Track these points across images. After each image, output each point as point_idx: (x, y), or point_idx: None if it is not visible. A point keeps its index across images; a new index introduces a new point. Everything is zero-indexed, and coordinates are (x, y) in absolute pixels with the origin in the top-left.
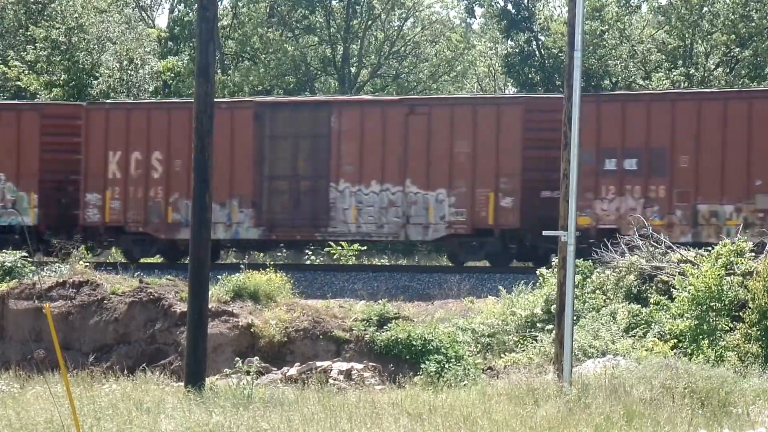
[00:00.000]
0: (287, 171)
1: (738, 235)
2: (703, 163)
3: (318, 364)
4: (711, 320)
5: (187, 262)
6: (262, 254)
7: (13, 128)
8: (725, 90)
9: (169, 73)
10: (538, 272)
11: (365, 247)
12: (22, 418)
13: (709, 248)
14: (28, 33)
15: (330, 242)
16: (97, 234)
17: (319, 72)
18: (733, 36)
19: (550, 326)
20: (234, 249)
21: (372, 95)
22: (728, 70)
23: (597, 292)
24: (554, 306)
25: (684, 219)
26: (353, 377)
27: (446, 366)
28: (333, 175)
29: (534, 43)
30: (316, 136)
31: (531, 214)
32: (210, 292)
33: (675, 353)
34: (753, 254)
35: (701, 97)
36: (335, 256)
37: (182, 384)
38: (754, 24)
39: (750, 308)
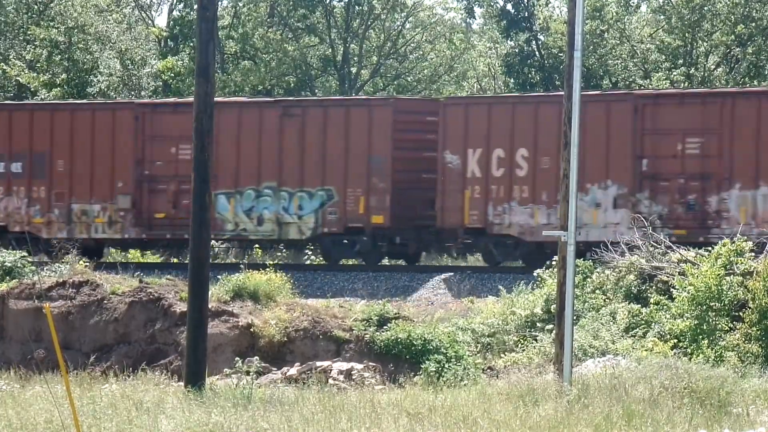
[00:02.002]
0: None
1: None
2: (76, 167)
3: (318, 364)
4: (711, 320)
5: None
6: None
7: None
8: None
9: (169, 72)
10: (536, 273)
11: None
12: (22, 418)
13: (704, 250)
14: (29, 33)
15: None
16: None
17: (320, 72)
18: (733, 36)
19: (550, 326)
20: None
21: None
22: (728, 70)
23: (597, 292)
24: (554, 306)
25: (61, 217)
26: (353, 377)
27: (446, 366)
28: None
29: (534, 43)
30: None
31: None
32: (210, 292)
33: (675, 353)
34: (753, 254)
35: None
36: None
37: (182, 384)
38: (754, 24)
39: (750, 308)
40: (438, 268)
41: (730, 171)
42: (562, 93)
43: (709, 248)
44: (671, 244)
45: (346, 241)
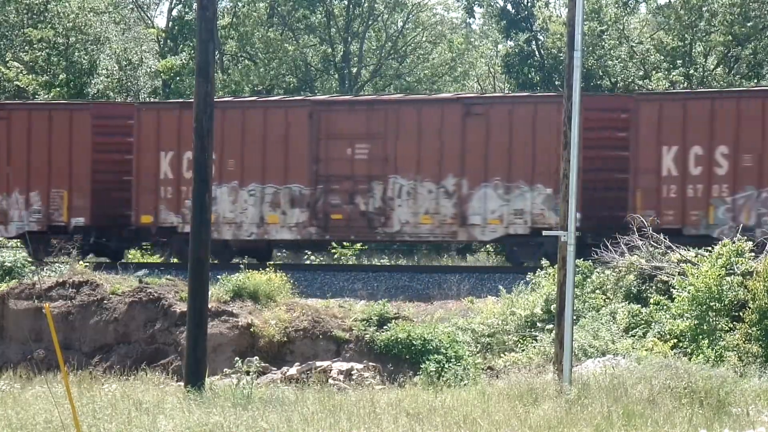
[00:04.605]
0: None
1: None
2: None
3: (318, 364)
4: (711, 320)
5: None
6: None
7: None
8: None
9: (169, 72)
10: (528, 276)
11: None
12: (22, 418)
13: (709, 248)
14: (28, 35)
15: None
16: None
17: (320, 72)
18: (730, 37)
19: (550, 326)
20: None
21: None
22: (728, 70)
23: (597, 292)
24: (554, 306)
25: None
26: (353, 377)
27: (446, 366)
28: None
29: (533, 43)
30: None
31: None
32: (210, 292)
33: (675, 353)
34: (753, 254)
35: None
36: (335, 256)
37: (182, 384)
38: (751, 24)
39: (750, 308)
40: (438, 268)
41: None
42: None
43: (710, 249)
44: (671, 244)
45: None
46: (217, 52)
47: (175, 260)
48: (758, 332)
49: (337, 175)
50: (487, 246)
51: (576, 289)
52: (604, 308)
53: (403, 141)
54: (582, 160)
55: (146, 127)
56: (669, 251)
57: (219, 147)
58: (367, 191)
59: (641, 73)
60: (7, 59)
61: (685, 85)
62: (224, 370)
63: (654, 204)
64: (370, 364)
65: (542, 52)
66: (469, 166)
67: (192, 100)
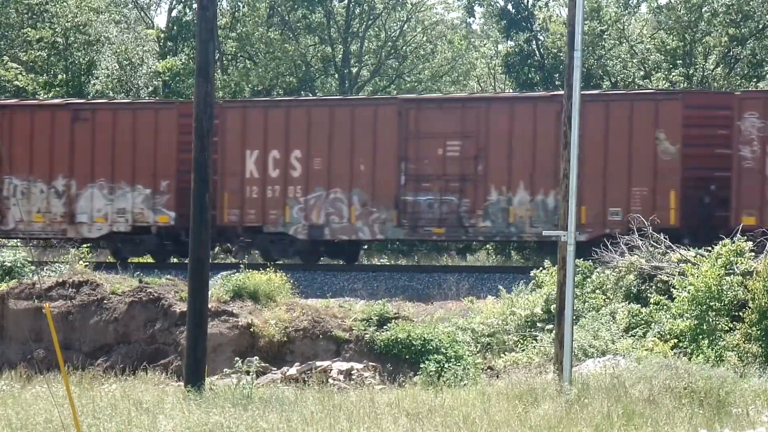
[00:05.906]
0: None
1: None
2: None
3: (318, 363)
4: (711, 320)
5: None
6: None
7: None
8: None
9: (168, 72)
10: (532, 273)
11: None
12: (22, 418)
13: (709, 248)
14: (27, 35)
15: None
16: None
17: (320, 72)
18: (727, 38)
19: (550, 326)
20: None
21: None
22: (728, 70)
23: (597, 291)
24: (554, 306)
25: None
26: (353, 377)
27: (446, 366)
28: None
29: (533, 42)
30: None
31: None
32: (210, 292)
33: (675, 353)
34: (753, 254)
35: None
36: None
37: (182, 384)
38: (748, 23)
39: (750, 308)
40: (438, 268)
41: None
42: None
43: (710, 249)
44: (671, 244)
45: None
46: (217, 52)
47: (175, 260)
48: (758, 332)
49: None
50: (487, 246)
51: (576, 289)
52: (604, 308)
53: (17, 143)
54: (179, 163)
55: None
56: (669, 251)
57: None
58: None
59: (642, 73)
60: (6, 60)
61: (685, 84)
62: (224, 370)
63: (239, 204)
64: (370, 364)
65: (542, 52)
66: (78, 168)
67: None
